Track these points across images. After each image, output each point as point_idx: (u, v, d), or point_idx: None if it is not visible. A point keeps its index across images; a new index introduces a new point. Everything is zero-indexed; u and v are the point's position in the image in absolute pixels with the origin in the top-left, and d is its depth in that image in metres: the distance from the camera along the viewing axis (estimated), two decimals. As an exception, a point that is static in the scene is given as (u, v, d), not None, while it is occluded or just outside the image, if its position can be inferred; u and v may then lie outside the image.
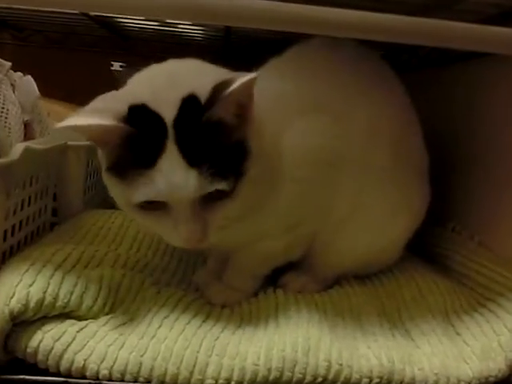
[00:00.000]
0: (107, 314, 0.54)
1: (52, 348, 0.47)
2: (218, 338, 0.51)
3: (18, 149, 0.55)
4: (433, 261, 0.75)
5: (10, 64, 0.83)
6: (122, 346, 0.48)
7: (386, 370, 0.50)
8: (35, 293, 0.49)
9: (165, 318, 0.53)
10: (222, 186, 0.47)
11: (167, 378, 0.47)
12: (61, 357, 0.47)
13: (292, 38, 0.64)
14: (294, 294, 0.61)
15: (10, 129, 0.73)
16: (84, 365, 0.47)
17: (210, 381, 0.47)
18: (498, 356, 0.51)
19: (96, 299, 0.53)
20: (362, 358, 0.50)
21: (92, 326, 0.51)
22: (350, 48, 0.66)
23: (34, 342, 0.47)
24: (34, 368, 0.48)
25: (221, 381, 0.47)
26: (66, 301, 0.50)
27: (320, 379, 0.48)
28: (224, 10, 0.42)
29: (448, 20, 0.46)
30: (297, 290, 0.63)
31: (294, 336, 0.51)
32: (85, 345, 0.48)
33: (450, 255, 0.72)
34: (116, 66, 1.08)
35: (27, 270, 0.51)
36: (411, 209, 0.67)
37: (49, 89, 1.04)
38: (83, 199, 0.80)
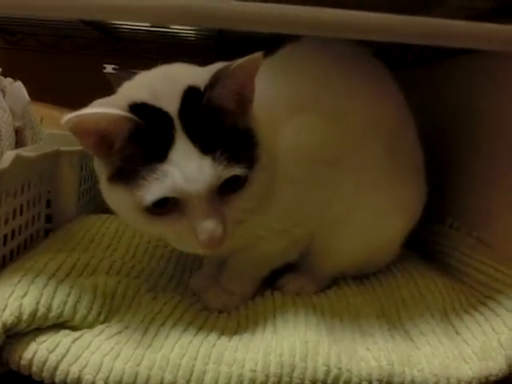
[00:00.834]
0: (102, 322, 0.53)
1: (46, 359, 0.47)
2: (214, 344, 0.50)
3: (8, 157, 0.54)
4: (431, 258, 0.75)
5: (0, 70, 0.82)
6: (117, 356, 0.48)
7: (386, 372, 0.49)
8: (28, 304, 0.48)
9: (161, 325, 0.53)
10: (237, 171, 0.45)
11: (164, 387, 0.46)
12: (56, 368, 0.46)
13: (285, 37, 0.63)
14: (291, 297, 0.61)
15: (0, 136, 0.72)
16: (79, 376, 0.46)
17: (207, 389, 0.46)
18: (499, 355, 0.51)
19: (90, 308, 0.53)
20: (361, 360, 0.50)
21: (87, 335, 0.50)
22: (343, 46, 0.65)
23: (28, 354, 0.47)
24: (29, 380, 0.47)
25: (218, 388, 0.47)
26: (59, 311, 0.50)
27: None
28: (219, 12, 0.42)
29: (440, 16, 0.45)
30: (295, 291, 0.63)
31: (292, 340, 0.50)
32: (80, 355, 0.47)
33: (448, 252, 0.72)
34: (109, 68, 1.07)
35: (19, 281, 0.50)
36: (407, 207, 0.66)
37: (42, 93, 1.03)
38: (78, 205, 0.79)
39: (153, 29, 1.03)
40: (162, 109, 0.45)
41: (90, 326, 0.52)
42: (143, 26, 1.01)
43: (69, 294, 0.52)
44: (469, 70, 0.74)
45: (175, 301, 0.59)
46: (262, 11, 0.41)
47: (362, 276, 0.68)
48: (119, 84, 0.52)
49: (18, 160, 0.56)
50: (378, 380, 0.49)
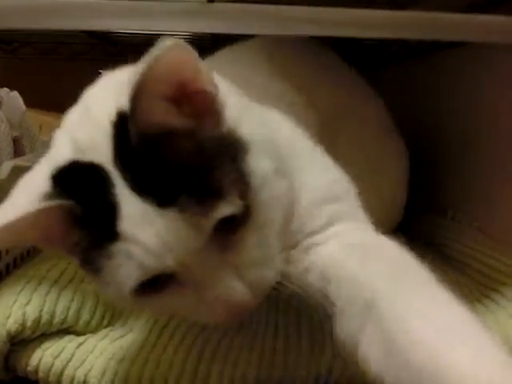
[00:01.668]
0: (106, 327, 0.54)
1: (52, 365, 0.47)
2: (218, 345, 0.50)
3: (6, 167, 0.54)
4: (432, 250, 0.74)
5: (-5, 81, 0.83)
6: (122, 360, 0.48)
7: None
8: (31, 312, 0.48)
9: (164, 327, 0.53)
10: (224, 210, 0.32)
11: (169, 390, 0.46)
12: (61, 373, 0.47)
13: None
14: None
15: (-2, 146, 0.72)
16: (85, 380, 0.47)
17: (212, 390, 0.46)
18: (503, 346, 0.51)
19: (94, 313, 0.53)
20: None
21: (91, 340, 0.50)
22: (300, 41, 0.66)
23: (33, 361, 0.47)
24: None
25: (223, 390, 0.47)
26: (63, 317, 0.50)
27: (323, 379, 0.48)
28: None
29: (433, 7, 0.45)
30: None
31: (296, 339, 0.50)
32: (84, 360, 0.48)
33: (450, 244, 0.72)
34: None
35: (22, 289, 0.51)
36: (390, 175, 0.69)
37: (40, 100, 1.03)
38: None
39: (149, 32, 1.03)
40: (93, 162, 0.33)
41: (94, 331, 0.53)
42: (139, 29, 1.01)
43: (72, 300, 0.52)
44: (464, 60, 0.74)
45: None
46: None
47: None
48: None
49: (15, 170, 0.56)
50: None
